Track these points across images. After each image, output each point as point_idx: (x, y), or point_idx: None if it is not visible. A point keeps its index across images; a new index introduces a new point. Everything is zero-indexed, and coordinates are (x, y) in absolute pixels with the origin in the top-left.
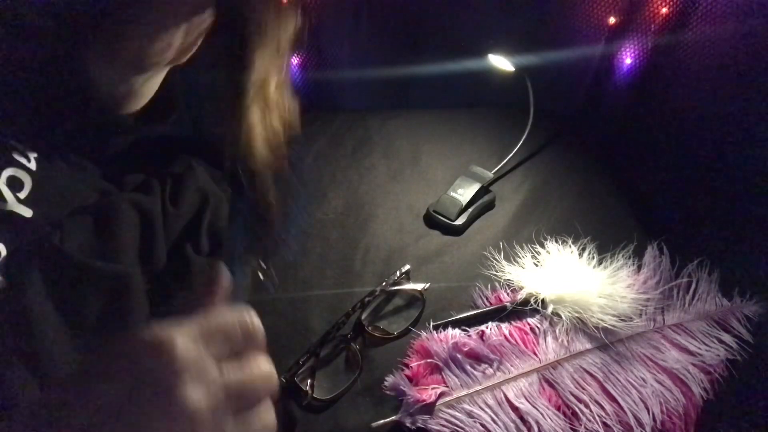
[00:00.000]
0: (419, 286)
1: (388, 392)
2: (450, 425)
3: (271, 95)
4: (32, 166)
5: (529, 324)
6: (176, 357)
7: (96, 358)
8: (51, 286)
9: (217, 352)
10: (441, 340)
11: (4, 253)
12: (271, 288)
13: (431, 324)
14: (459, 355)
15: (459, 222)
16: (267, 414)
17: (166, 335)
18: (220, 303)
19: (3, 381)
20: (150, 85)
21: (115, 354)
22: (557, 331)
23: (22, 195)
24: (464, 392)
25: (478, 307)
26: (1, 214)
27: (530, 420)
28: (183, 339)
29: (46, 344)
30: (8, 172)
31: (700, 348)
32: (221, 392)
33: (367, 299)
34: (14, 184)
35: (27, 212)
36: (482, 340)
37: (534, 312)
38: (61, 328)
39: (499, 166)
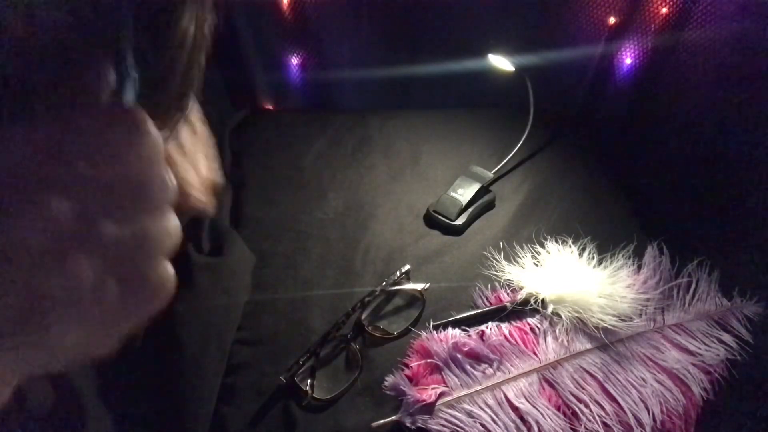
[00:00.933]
0: (419, 286)
1: (388, 392)
2: (450, 425)
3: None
4: None
5: (529, 324)
6: (61, 223)
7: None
8: None
9: (110, 210)
10: (441, 340)
11: None
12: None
13: (431, 324)
14: (459, 355)
15: (459, 222)
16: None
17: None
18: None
19: None
20: None
21: None
22: (557, 331)
23: None
24: (464, 392)
25: (478, 307)
26: None
27: (530, 420)
28: (68, 205)
29: None
30: None
31: (700, 348)
32: (109, 252)
33: (367, 299)
34: None
35: None
36: (482, 340)
37: (534, 312)
38: None
39: (499, 166)
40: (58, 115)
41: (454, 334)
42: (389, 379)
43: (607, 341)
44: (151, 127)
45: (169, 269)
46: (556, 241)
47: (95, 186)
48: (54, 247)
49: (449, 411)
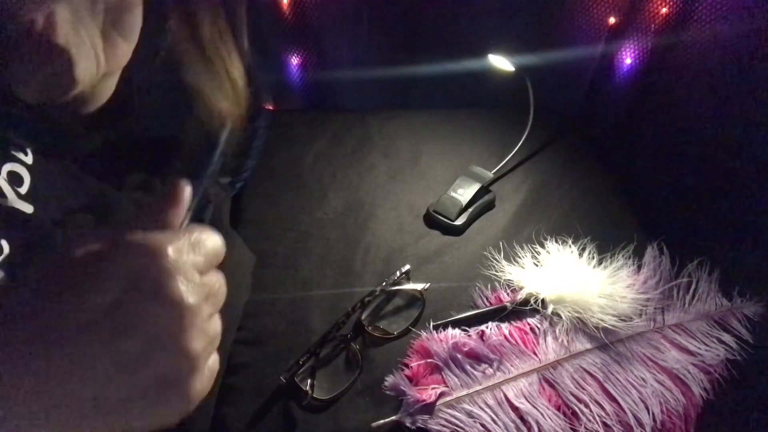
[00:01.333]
0: (419, 286)
1: (388, 392)
2: (450, 425)
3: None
4: (29, 160)
5: (529, 324)
6: (169, 257)
7: (79, 262)
8: (53, 284)
9: (193, 261)
10: (441, 340)
11: (6, 250)
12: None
13: (431, 324)
14: (459, 355)
15: (459, 222)
16: (218, 322)
17: (157, 238)
18: (178, 218)
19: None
20: (105, 88)
21: (102, 256)
22: (557, 331)
23: (23, 191)
24: (464, 392)
25: (478, 307)
26: (2, 210)
27: (530, 420)
28: (172, 243)
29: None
30: (7, 167)
31: (700, 348)
32: (202, 293)
33: (367, 299)
34: (14, 179)
35: (28, 208)
36: (482, 340)
37: (534, 312)
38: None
39: (499, 166)
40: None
41: (454, 334)
42: (389, 379)
43: (607, 341)
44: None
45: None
46: (556, 241)
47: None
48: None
49: (449, 411)
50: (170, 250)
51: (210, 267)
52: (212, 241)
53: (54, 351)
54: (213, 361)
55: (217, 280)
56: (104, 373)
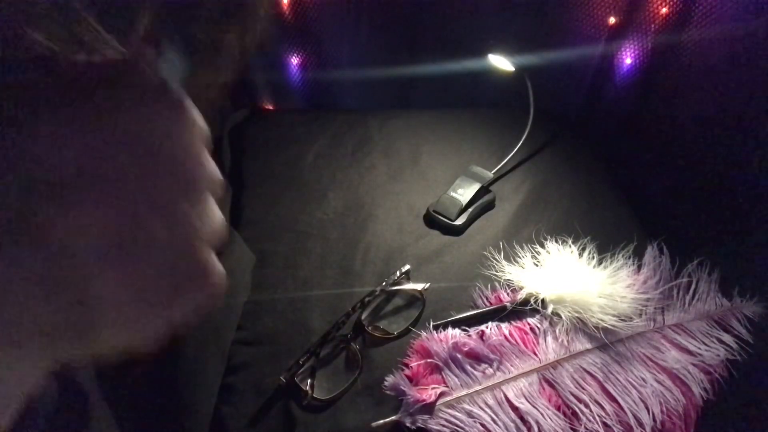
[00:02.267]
0: (419, 286)
1: (388, 392)
2: (450, 425)
3: None
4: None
5: (529, 324)
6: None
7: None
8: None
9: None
10: (441, 340)
11: None
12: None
13: (431, 324)
14: (459, 355)
15: (459, 222)
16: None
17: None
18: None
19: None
20: None
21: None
22: (557, 331)
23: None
24: (464, 392)
25: (478, 307)
26: None
27: (530, 420)
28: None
29: None
30: None
31: (700, 348)
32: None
33: (367, 299)
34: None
35: None
36: (482, 340)
37: (534, 312)
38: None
39: (499, 166)
40: (102, 107)
41: (454, 334)
42: (389, 379)
43: (607, 341)
44: (196, 114)
45: (218, 263)
46: (556, 241)
47: (140, 180)
48: (101, 247)
49: (449, 411)
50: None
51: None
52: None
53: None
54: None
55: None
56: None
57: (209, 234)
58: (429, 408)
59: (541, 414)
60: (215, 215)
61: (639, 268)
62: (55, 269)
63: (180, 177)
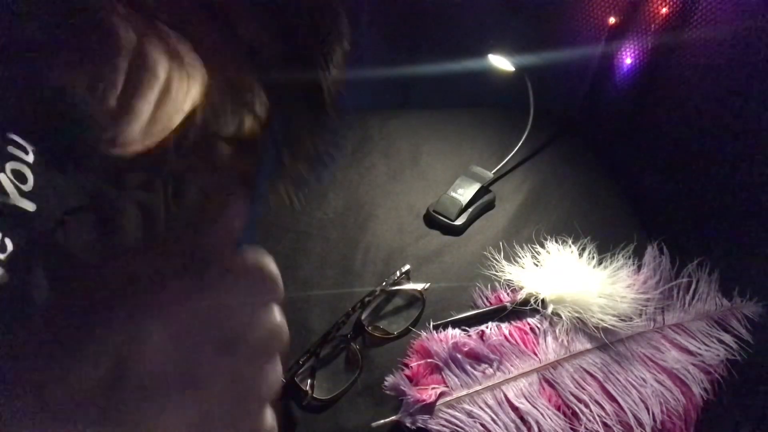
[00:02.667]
0: (419, 286)
1: (388, 392)
2: (450, 425)
3: None
4: (30, 159)
5: (529, 324)
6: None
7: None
8: (54, 284)
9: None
10: (441, 340)
11: (10, 247)
12: (297, 207)
13: (431, 324)
14: (459, 355)
15: (459, 222)
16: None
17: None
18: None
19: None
20: None
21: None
22: (557, 331)
23: (26, 188)
24: (464, 392)
25: (478, 307)
26: (6, 208)
27: (530, 420)
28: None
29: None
30: (11, 165)
31: (700, 348)
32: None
33: (367, 299)
34: (18, 177)
35: (30, 206)
36: (482, 340)
37: (534, 312)
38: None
39: (499, 166)
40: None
41: (454, 334)
42: (389, 379)
43: (607, 341)
44: (275, 272)
45: (272, 416)
46: (556, 241)
47: (220, 379)
48: (164, 383)
49: (449, 411)
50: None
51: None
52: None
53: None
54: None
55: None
56: None
57: (267, 388)
58: (429, 408)
59: (541, 414)
60: (275, 370)
61: (639, 268)
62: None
63: (252, 332)
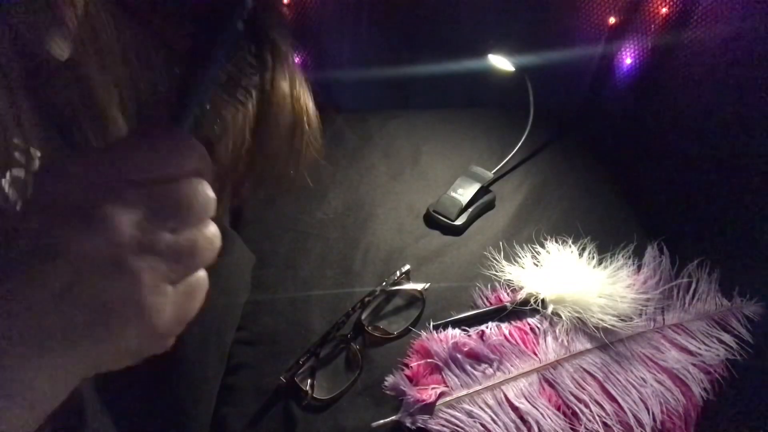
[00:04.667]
0: (419, 286)
1: (388, 392)
2: (450, 425)
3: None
4: (33, 165)
5: (529, 324)
6: (122, 235)
7: (40, 240)
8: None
9: (163, 221)
10: (441, 340)
11: None
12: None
13: (431, 324)
14: (459, 355)
15: (459, 222)
16: (199, 276)
17: (110, 213)
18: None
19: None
20: None
21: (60, 235)
22: (557, 331)
23: (28, 194)
24: (464, 392)
25: (478, 307)
26: (6, 214)
27: (530, 420)
28: (128, 217)
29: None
30: (13, 171)
31: (700, 348)
32: (164, 260)
33: (367, 299)
34: (18, 184)
35: (30, 214)
36: (482, 340)
37: (534, 312)
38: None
39: (499, 166)
40: (128, 134)
41: (454, 334)
42: (389, 379)
43: (607, 341)
44: (202, 150)
45: (204, 274)
46: (556, 241)
47: (152, 199)
48: (116, 256)
49: (449, 411)
50: (123, 224)
51: (189, 223)
52: (195, 191)
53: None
54: (193, 283)
55: (201, 233)
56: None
57: (206, 248)
58: (429, 408)
59: (541, 414)
60: (211, 232)
61: (639, 268)
62: (75, 281)
63: (183, 199)
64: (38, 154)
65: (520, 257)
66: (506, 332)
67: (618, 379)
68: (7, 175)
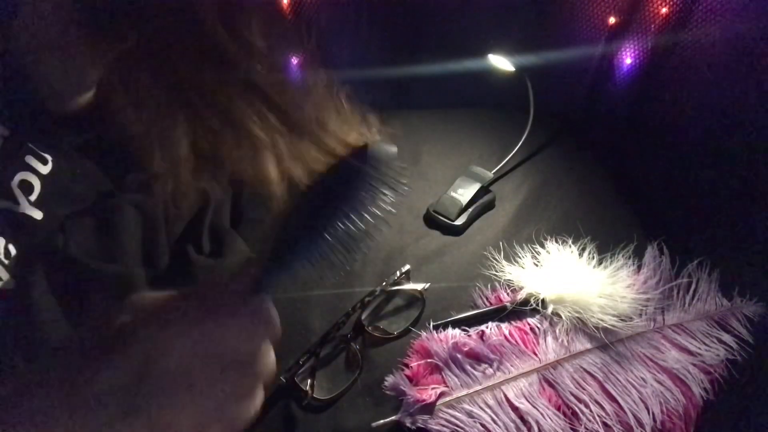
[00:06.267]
0: (419, 286)
1: (388, 392)
2: (450, 425)
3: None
4: (45, 170)
5: (529, 324)
6: (182, 349)
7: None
8: (55, 286)
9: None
10: (441, 340)
11: (14, 253)
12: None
13: (431, 324)
14: (459, 355)
15: (459, 222)
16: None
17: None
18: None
19: (6, 377)
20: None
21: (122, 334)
22: (557, 331)
23: (32, 198)
24: (464, 392)
25: (478, 307)
26: (14, 216)
27: (530, 420)
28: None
29: (49, 343)
30: (20, 175)
31: (700, 348)
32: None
33: (367, 299)
34: (24, 187)
35: (38, 214)
36: (482, 340)
37: (534, 312)
38: (65, 328)
39: (499, 166)
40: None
41: (454, 334)
42: (389, 379)
43: (607, 341)
44: (275, 317)
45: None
46: (556, 241)
47: (218, 381)
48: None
49: (449, 411)
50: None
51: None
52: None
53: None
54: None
55: (261, 358)
56: None
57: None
58: (429, 408)
59: (541, 414)
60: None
61: (639, 268)
62: None
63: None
64: (51, 158)
65: (520, 257)
66: (506, 332)
67: (618, 379)
68: (16, 177)
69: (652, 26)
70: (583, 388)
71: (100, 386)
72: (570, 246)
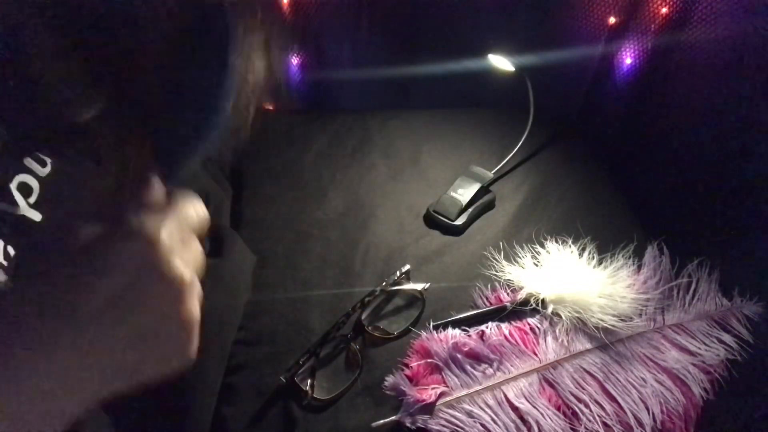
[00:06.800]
0: (419, 286)
1: (388, 392)
2: (450, 425)
3: None
4: (44, 172)
5: (529, 324)
6: (163, 242)
7: (83, 254)
8: (54, 286)
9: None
10: (441, 340)
11: (13, 255)
12: None
13: (431, 324)
14: (459, 355)
15: (459, 222)
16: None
17: (151, 225)
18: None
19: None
20: None
21: (103, 246)
22: (557, 331)
23: (32, 200)
24: (464, 392)
25: (478, 307)
26: (13, 218)
27: (530, 420)
28: (164, 227)
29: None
30: (19, 177)
31: (700, 348)
32: (192, 265)
33: (367, 299)
34: (23, 189)
35: (37, 216)
36: (482, 340)
37: (534, 312)
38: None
39: (499, 166)
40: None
41: (454, 334)
42: (389, 379)
43: (607, 341)
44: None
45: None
46: (556, 241)
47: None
48: (158, 258)
49: (449, 411)
50: (164, 236)
51: (195, 235)
52: (195, 211)
53: (71, 335)
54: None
55: (197, 247)
56: (121, 345)
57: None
58: (429, 408)
59: (541, 414)
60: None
61: (639, 268)
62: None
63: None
64: (50, 160)
65: (520, 257)
66: (506, 332)
67: (618, 379)
68: (15, 180)
69: (652, 26)
70: (583, 388)
71: (95, 298)
72: (570, 246)
